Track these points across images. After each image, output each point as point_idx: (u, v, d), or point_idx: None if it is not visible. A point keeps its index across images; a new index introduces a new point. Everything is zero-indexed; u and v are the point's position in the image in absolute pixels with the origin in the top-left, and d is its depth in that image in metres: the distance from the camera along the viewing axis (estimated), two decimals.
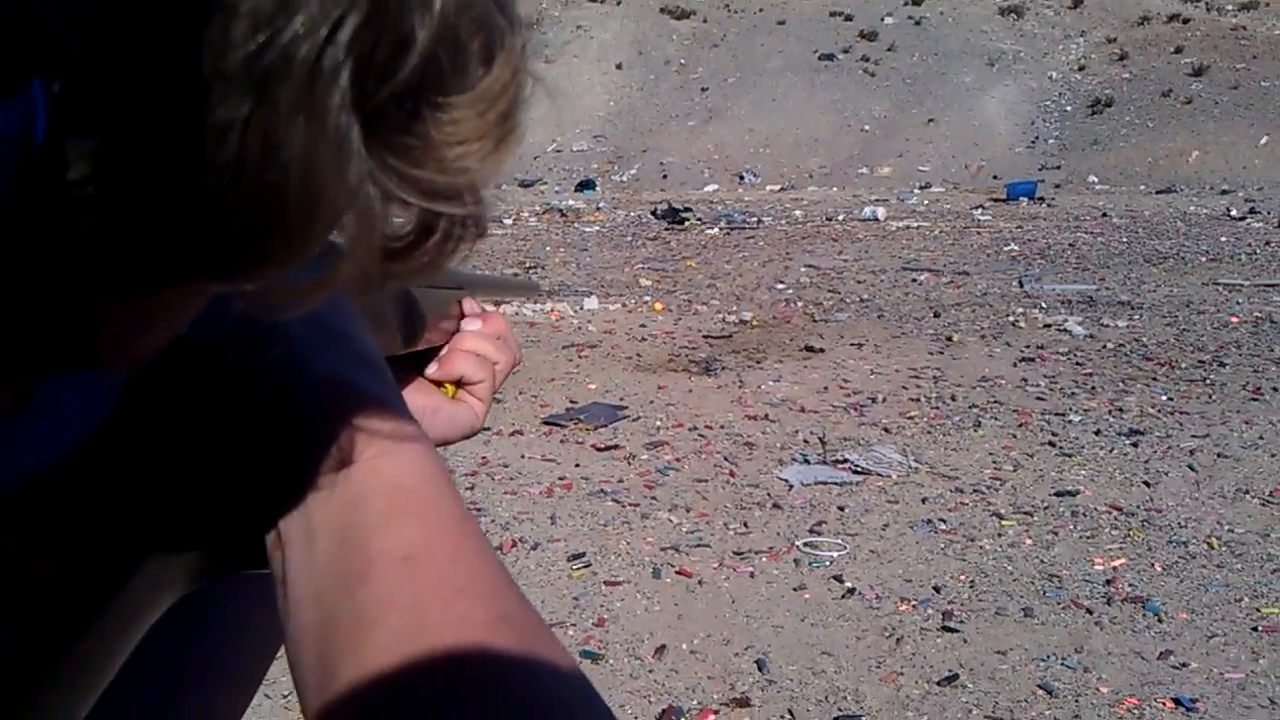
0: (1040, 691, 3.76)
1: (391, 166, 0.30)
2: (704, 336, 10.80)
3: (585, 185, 48.56)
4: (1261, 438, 6.85)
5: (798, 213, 29.77)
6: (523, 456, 6.69)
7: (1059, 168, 48.90)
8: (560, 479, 6.22)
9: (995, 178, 45.71)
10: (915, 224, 25.28)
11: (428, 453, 0.47)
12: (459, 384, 0.73)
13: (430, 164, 0.31)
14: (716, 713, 3.69)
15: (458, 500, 0.46)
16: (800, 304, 12.85)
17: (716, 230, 24.37)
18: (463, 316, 0.75)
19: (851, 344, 10.20)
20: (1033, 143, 53.73)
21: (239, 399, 0.46)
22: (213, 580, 0.45)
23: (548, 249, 20.93)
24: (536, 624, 0.43)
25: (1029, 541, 5.20)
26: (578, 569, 4.93)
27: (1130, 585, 4.66)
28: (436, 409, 0.71)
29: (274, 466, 0.45)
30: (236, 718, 0.62)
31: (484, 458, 6.64)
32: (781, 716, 3.66)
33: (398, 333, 0.60)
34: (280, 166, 0.27)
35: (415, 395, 0.70)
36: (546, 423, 7.46)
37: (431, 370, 0.72)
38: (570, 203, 34.52)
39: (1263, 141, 46.88)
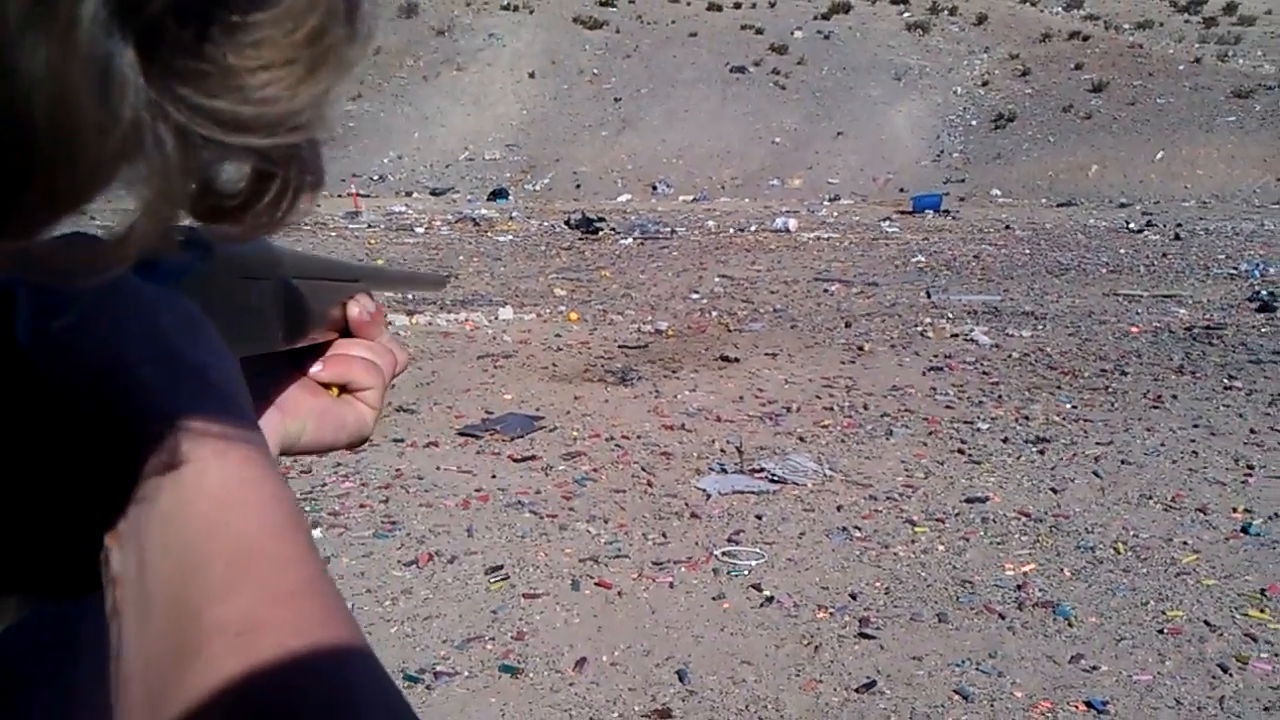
0: (956, 696, 3.81)
1: (182, 97, 0.26)
2: (619, 346, 10.80)
3: (498, 194, 48.31)
4: (1163, 444, 7.06)
5: (710, 223, 29.98)
6: (438, 468, 6.61)
7: (963, 181, 50.06)
8: (477, 491, 6.16)
9: (902, 190, 46.61)
10: (826, 235, 25.63)
11: (258, 461, 0.42)
12: (344, 388, 0.67)
13: (229, 93, 0.27)
14: None
15: (285, 507, 0.42)
16: (715, 314, 12.93)
17: (630, 240, 24.43)
18: (347, 313, 0.69)
19: (766, 353, 10.28)
20: (938, 156, 54.92)
21: (54, 412, 0.41)
22: (48, 602, 0.42)
23: (461, 258, 20.76)
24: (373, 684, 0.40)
25: (941, 548, 5.28)
26: (496, 582, 4.88)
27: (1041, 590, 4.76)
28: (324, 411, 0.65)
29: (94, 482, 0.40)
30: None
31: (399, 470, 6.54)
32: None
33: (279, 326, 0.55)
34: (19, 95, 0.22)
35: (302, 395, 0.64)
36: (462, 434, 7.38)
37: (316, 370, 0.65)
38: (483, 211, 34.30)
39: (1159, 156, 48.53)
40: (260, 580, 0.38)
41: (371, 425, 0.69)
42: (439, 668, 4.06)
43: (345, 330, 0.68)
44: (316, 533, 5.44)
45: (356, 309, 0.68)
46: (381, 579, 4.91)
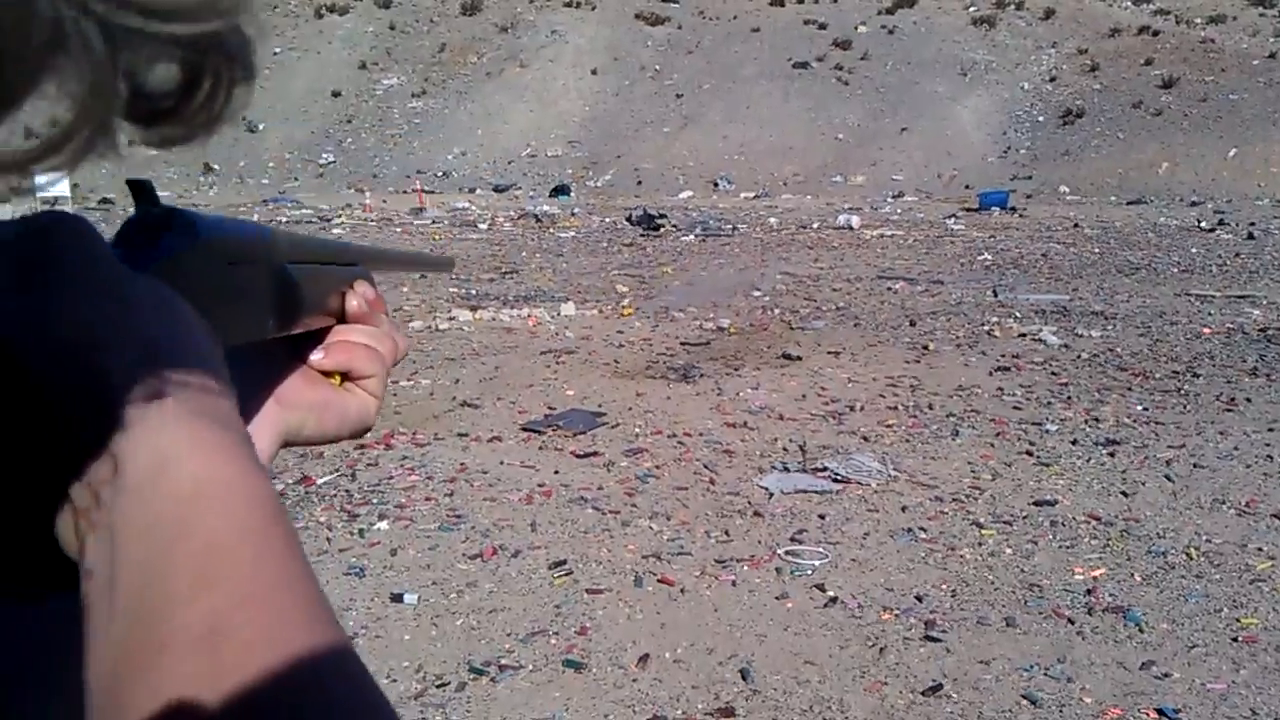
0: (1025, 702, 3.76)
1: None
2: (681, 343, 10.79)
3: (560, 190, 48.50)
4: (1236, 448, 6.90)
5: (772, 220, 29.85)
6: (502, 463, 6.65)
7: (1030, 178, 49.31)
8: (540, 486, 6.19)
9: (967, 187, 46.03)
10: (889, 232, 25.41)
11: (236, 454, 0.40)
12: (346, 376, 0.65)
13: None
14: None
15: (263, 503, 0.39)
16: (777, 311, 12.87)
17: (692, 237, 24.40)
18: (345, 305, 0.66)
19: (829, 352, 10.22)
20: (1005, 152, 54.16)
21: (23, 394, 0.38)
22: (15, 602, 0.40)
23: (523, 254, 20.88)
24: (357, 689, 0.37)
25: (1009, 551, 5.21)
26: (559, 577, 4.90)
27: (1111, 595, 4.68)
28: (326, 403, 0.63)
29: (62, 468, 0.38)
30: None
31: (463, 464, 6.60)
32: None
33: (271, 314, 0.52)
34: None
35: (303, 386, 0.62)
36: (525, 429, 7.43)
37: (317, 358, 0.63)
38: (545, 208, 34.44)
39: (1231, 154, 47.43)
40: (230, 582, 0.36)
41: (374, 414, 0.66)
42: (504, 661, 4.09)
43: (344, 316, 0.65)
44: (383, 525, 5.52)
45: (355, 301, 0.65)
46: (447, 572, 4.95)
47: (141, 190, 0.45)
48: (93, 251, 0.41)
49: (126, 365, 0.38)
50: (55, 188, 22.61)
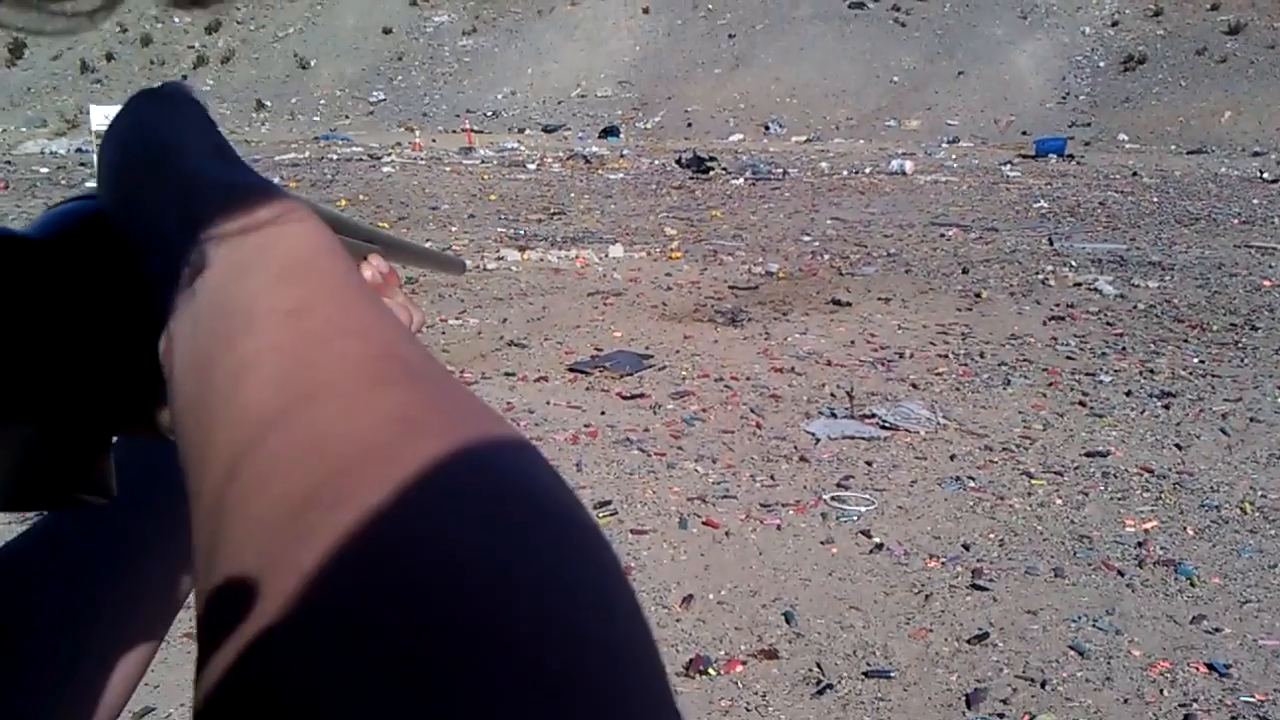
0: (1072, 652, 3.72)
1: None
2: (730, 287, 10.72)
3: (609, 132, 48.26)
4: None
5: (824, 164, 29.51)
6: (548, 403, 6.66)
7: (1089, 125, 48.33)
8: (586, 426, 6.20)
9: (1024, 133, 45.22)
10: (943, 178, 25.03)
11: (318, 227, 0.38)
12: None
13: None
14: (744, 663, 3.68)
15: (353, 267, 0.38)
16: (827, 257, 12.74)
17: (742, 180, 24.18)
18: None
19: (879, 298, 10.11)
20: (1063, 99, 53.08)
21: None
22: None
23: (572, 195, 20.82)
24: (433, 367, 0.34)
25: (1059, 501, 5.15)
26: (604, 517, 4.91)
27: (1162, 548, 4.61)
28: None
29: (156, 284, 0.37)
30: (135, 673, 0.57)
31: (510, 403, 6.62)
32: (810, 669, 3.65)
33: None
34: None
35: None
36: (572, 370, 7.43)
37: None
38: (594, 149, 34.30)
39: None
40: (312, 279, 0.34)
41: None
42: None
43: None
44: None
45: (369, 272, 0.64)
46: None
47: None
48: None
49: (213, 171, 0.38)
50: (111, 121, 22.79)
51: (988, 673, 3.61)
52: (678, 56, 61.69)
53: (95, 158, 0.41)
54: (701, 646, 3.79)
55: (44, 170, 26.46)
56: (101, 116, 22.64)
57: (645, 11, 65.77)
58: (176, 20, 77.62)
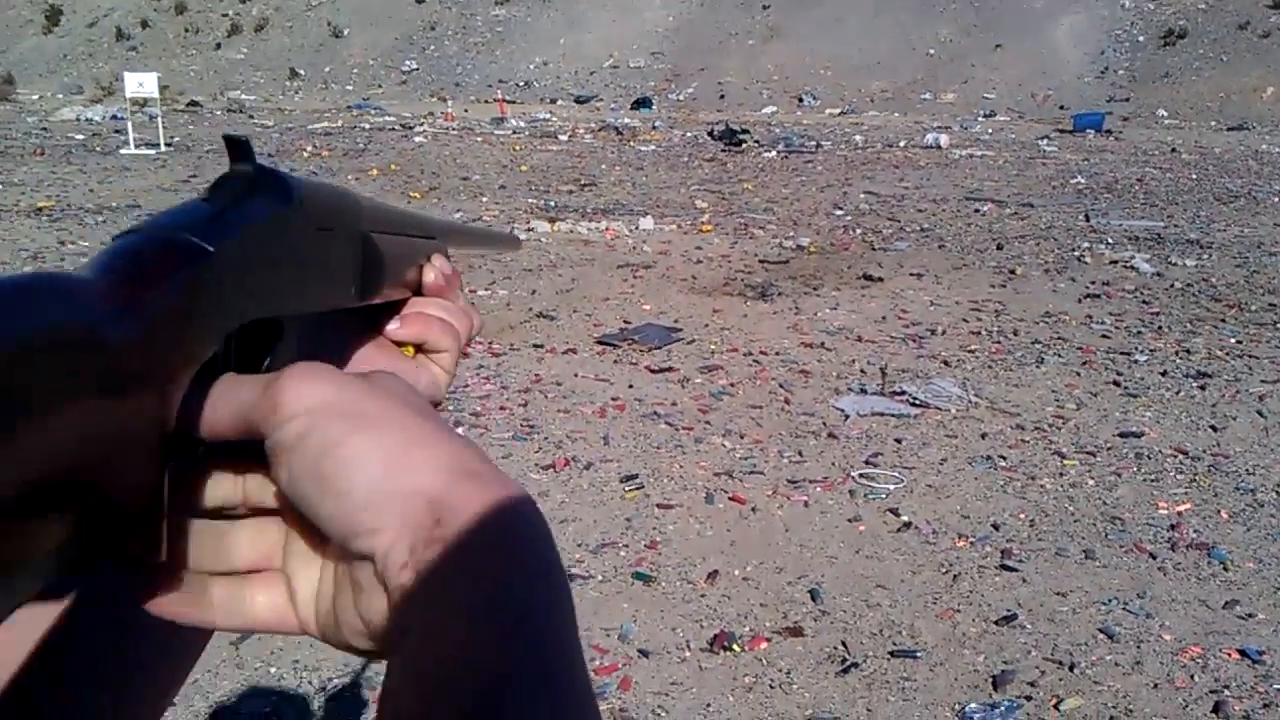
0: (1101, 635, 3.68)
1: None
2: (760, 261, 10.65)
3: (642, 103, 48.02)
4: None
5: (858, 138, 29.24)
6: (576, 375, 6.65)
7: (1128, 100, 47.63)
8: (613, 399, 6.18)
9: (1062, 108, 44.64)
10: (979, 153, 24.75)
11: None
12: (419, 348, 0.64)
13: None
14: (769, 640, 3.66)
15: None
16: (859, 231, 12.63)
17: (774, 153, 24.00)
18: (423, 277, 0.65)
19: (911, 274, 10.01)
20: (1102, 73, 52.32)
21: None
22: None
23: (603, 166, 20.74)
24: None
25: (1091, 482, 5.09)
26: (630, 490, 4.90)
27: (1195, 531, 4.55)
28: (400, 372, 0.61)
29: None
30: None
31: (538, 375, 6.60)
32: (835, 647, 3.62)
33: (354, 281, 0.51)
34: None
35: (377, 355, 0.61)
36: (600, 342, 7.41)
37: (393, 328, 0.62)
38: (626, 120, 34.14)
39: None
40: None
41: (444, 390, 0.65)
42: (573, 570, 4.11)
43: (419, 289, 0.65)
44: (457, 431, 5.54)
45: (432, 274, 0.64)
46: (520, 481, 4.97)
47: (239, 147, 0.42)
48: None
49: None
50: (145, 89, 22.85)
51: (1015, 654, 3.57)
52: (712, 27, 61.21)
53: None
54: (726, 622, 3.77)
55: (79, 137, 26.61)
56: (135, 83, 22.73)
57: None
58: None
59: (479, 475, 0.38)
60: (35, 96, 53.56)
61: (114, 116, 32.13)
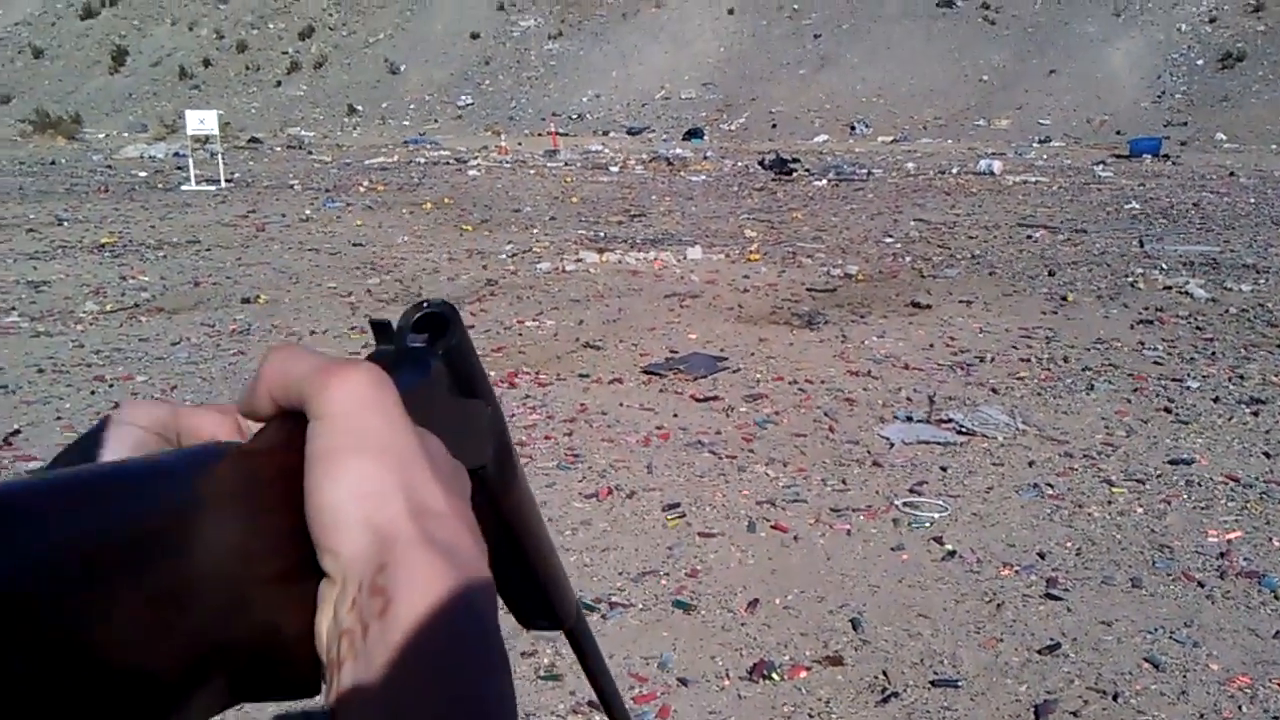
0: (1147, 665, 3.63)
1: None
2: (807, 289, 10.65)
3: (693, 134, 48.22)
4: None
5: (910, 165, 29.14)
6: (621, 404, 6.69)
7: (1185, 124, 47.01)
8: (658, 428, 6.21)
9: (1119, 133, 44.16)
10: (1033, 179, 24.55)
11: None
12: None
13: None
14: (809, 669, 3.65)
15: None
16: (908, 259, 12.59)
17: (825, 182, 23.99)
18: None
19: (961, 301, 9.96)
20: (1159, 97, 51.72)
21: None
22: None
23: (653, 197, 20.86)
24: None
25: (1140, 510, 5.02)
26: (673, 519, 4.92)
27: (1245, 559, 4.47)
28: None
29: None
30: None
31: (583, 405, 6.65)
32: (875, 677, 3.61)
33: (488, 443, 0.53)
34: None
35: None
36: (646, 372, 7.45)
37: None
38: (678, 151, 34.29)
39: None
40: None
41: None
42: (614, 598, 4.13)
43: None
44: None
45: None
46: (563, 509, 5.02)
47: (383, 330, 0.47)
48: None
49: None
50: (206, 126, 23.38)
51: (1058, 684, 3.53)
52: (762, 57, 61.41)
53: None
54: (766, 651, 3.77)
55: (142, 174, 27.27)
56: (196, 121, 23.26)
57: (730, 13, 65.58)
58: (271, 27, 79.47)
59: (440, 543, 0.37)
60: (101, 135, 55.00)
61: (176, 154, 32.90)
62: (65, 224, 16.09)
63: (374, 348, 0.47)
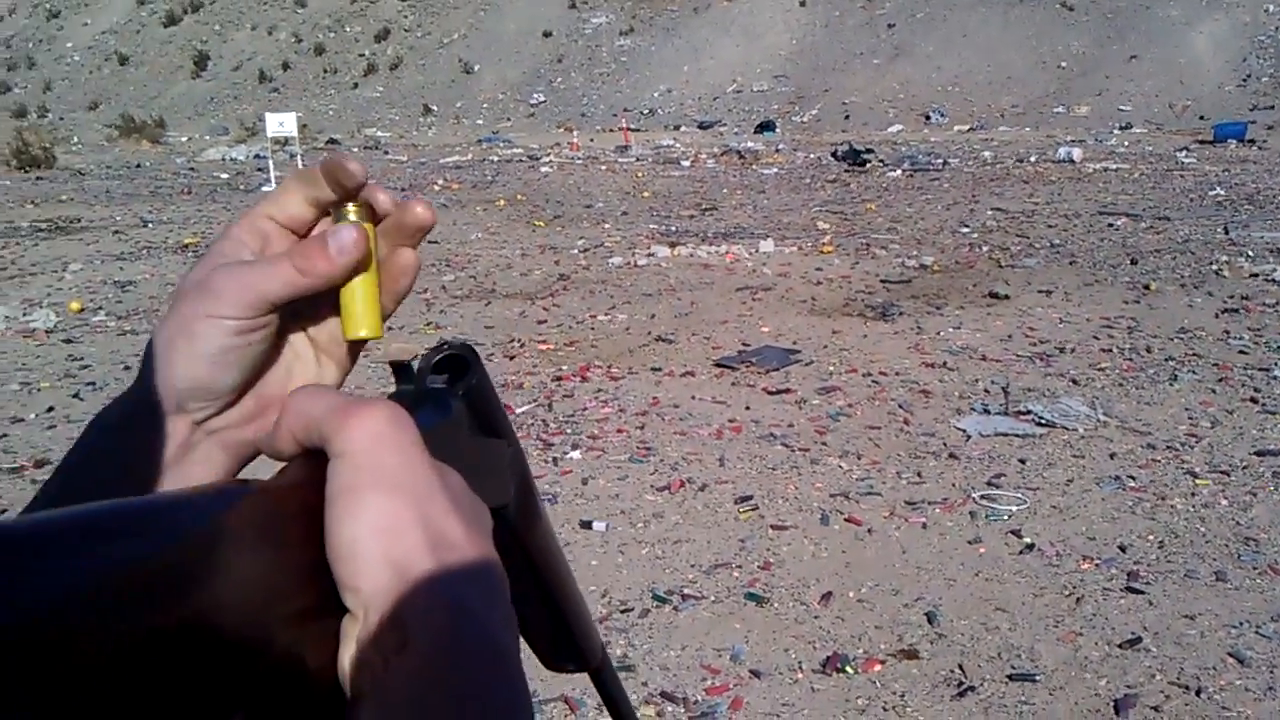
0: (1231, 660, 3.54)
1: None
2: (881, 281, 10.55)
3: (765, 127, 47.98)
4: None
5: (986, 153, 28.70)
6: (693, 398, 6.69)
7: (1272, 107, 45.61)
8: (730, 421, 6.20)
9: (1202, 118, 43.01)
10: (1113, 166, 24.03)
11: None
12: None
13: None
14: (883, 663, 3.63)
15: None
16: (985, 249, 12.40)
17: (899, 172, 23.73)
18: None
19: (1040, 291, 9.79)
20: (1244, 81, 50.25)
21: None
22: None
23: (724, 190, 20.80)
24: None
25: (1225, 502, 4.90)
26: (745, 511, 4.91)
27: None
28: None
29: None
30: None
31: (655, 398, 6.67)
32: (951, 671, 3.57)
33: (510, 481, 0.54)
34: None
35: None
36: (718, 365, 7.44)
37: None
38: (749, 144, 34.17)
39: None
40: None
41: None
42: (686, 591, 4.14)
43: None
44: (575, 454, 5.64)
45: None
46: (635, 502, 5.04)
47: (403, 370, 0.48)
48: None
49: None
50: (285, 128, 23.84)
51: (1139, 678, 3.46)
52: (835, 48, 60.88)
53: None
54: (840, 644, 3.75)
55: (224, 176, 27.89)
56: (276, 123, 23.73)
57: (802, 4, 65.12)
58: (347, 30, 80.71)
59: (457, 575, 0.38)
60: (184, 139, 56.35)
61: (256, 156, 33.60)
62: (150, 225, 16.53)
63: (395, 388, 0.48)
